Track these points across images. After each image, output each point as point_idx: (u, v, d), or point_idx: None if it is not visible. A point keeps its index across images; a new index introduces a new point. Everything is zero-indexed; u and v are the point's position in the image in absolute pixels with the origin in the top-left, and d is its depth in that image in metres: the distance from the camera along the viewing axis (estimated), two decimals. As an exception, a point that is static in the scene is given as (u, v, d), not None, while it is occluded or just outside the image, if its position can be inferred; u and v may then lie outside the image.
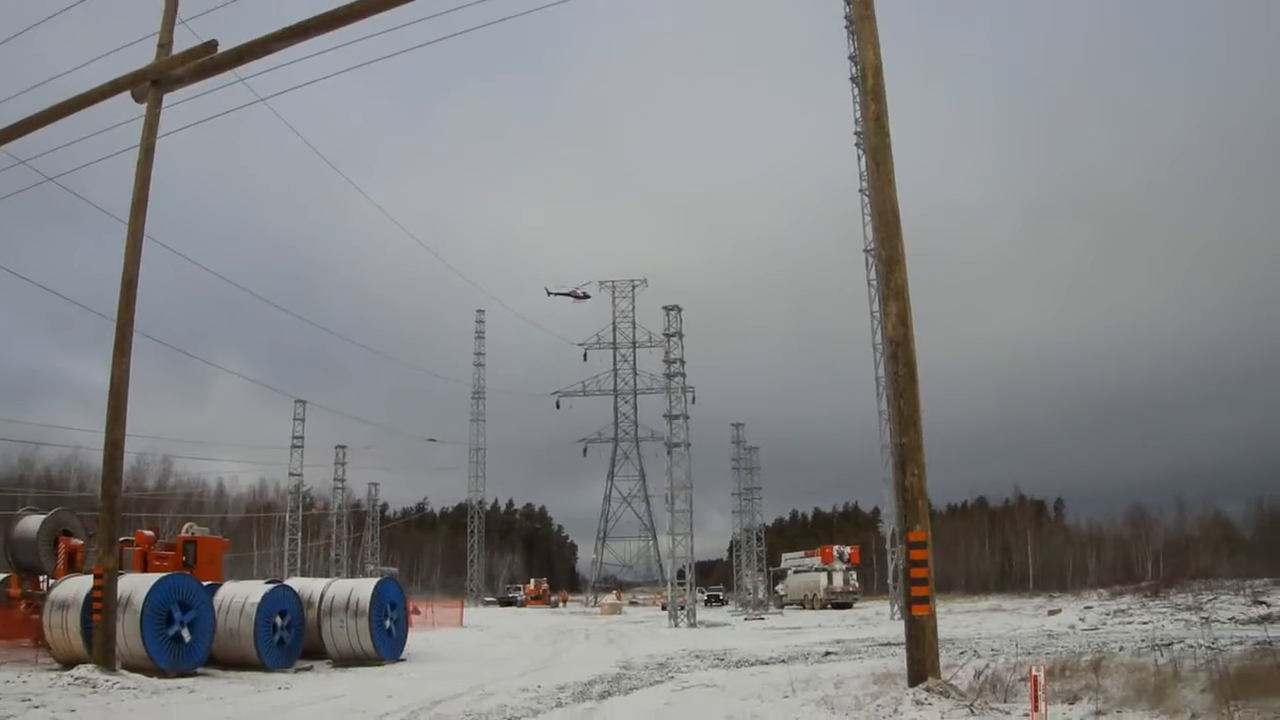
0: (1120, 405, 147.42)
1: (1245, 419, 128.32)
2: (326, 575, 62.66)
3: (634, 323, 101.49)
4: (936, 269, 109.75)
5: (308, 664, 23.92)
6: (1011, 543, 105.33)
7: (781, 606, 78.75)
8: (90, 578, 20.85)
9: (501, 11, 19.83)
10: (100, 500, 20.64)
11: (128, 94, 21.51)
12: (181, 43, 21.45)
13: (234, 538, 66.60)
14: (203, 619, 21.80)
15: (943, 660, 13.53)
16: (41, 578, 27.58)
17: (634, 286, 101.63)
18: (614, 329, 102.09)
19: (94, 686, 17.81)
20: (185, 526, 30.49)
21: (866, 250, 49.88)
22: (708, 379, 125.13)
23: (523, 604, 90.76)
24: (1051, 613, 46.16)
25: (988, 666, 15.12)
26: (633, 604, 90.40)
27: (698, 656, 26.40)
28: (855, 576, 78.26)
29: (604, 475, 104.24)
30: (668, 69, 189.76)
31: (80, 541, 27.85)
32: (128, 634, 20.16)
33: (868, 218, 48.38)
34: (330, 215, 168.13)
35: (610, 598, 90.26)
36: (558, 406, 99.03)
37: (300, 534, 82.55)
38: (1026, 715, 11.18)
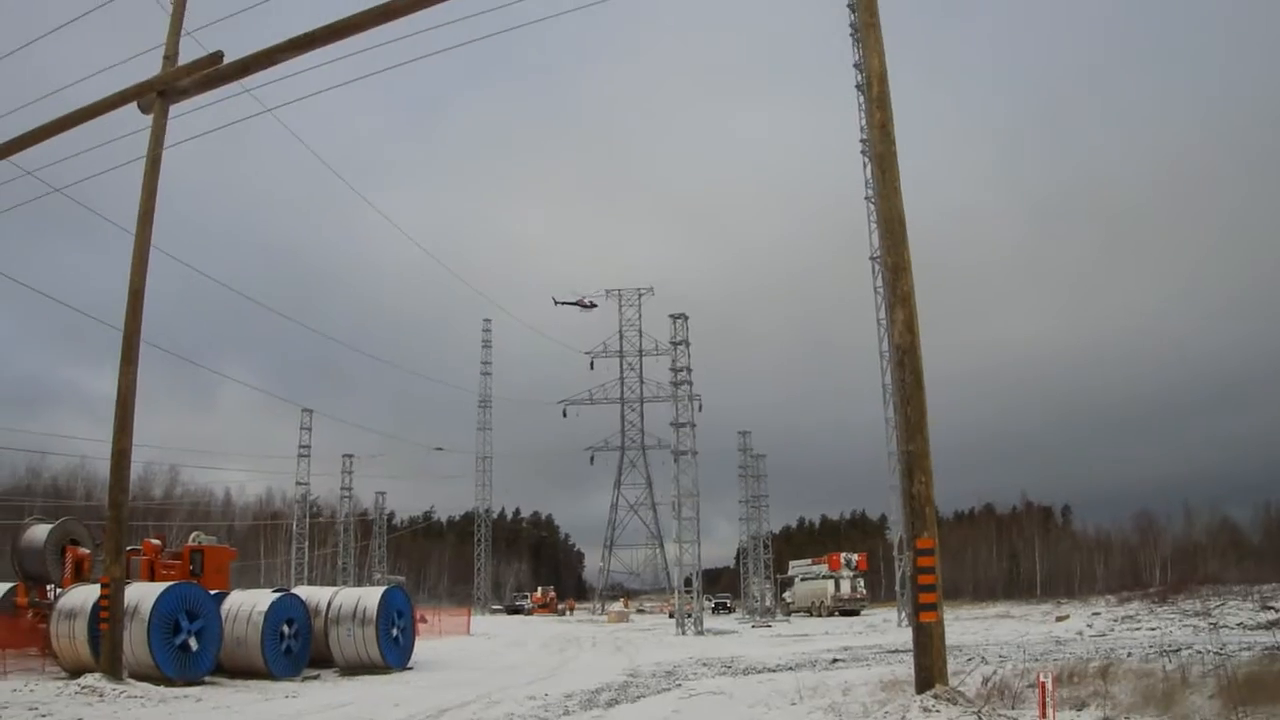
0: (1127, 410, 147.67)
1: (1252, 423, 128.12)
2: (333, 584, 62.59)
3: (640, 331, 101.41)
4: (941, 274, 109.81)
5: (315, 672, 23.94)
6: (1019, 549, 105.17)
7: (789, 614, 78.69)
8: (97, 587, 20.90)
9: (505, 21, 19.91)
10: (107, 509, 20.65)
11: (134, 105, 21.57)
12: (187, 54, 21.50)
13: (241, 546, 66.66)
14: (210, 628, 21.81)
15: (950, 667, 13.50)
16: (49, 587, 27.63)
17: (640, 295, 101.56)
18: (620, 337, 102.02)
19: (101, 695, 17.83)
20: (192, 535, 30.55)
21: (873, 258, 49.88)
22: (714, 387, 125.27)
23: (530, 612, 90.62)
24: (1059, 619, 46.08)
25: (995, 673, 15.09)
26: (640, 612, 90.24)
27: (705, 664, 26.39)
28: (862, 583, 78.19)
29: (611, 483, 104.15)
30: (672, 76, 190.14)
31: (87, 551, 27.87)
32: (135, 643, 20.17)
33: (873, 224, 48.41)
34: (336, 224, 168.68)
35: (617, 606, 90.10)
36: (564, 415, 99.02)
37: (307, 543, 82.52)
38: (1034, 722, 11.16)
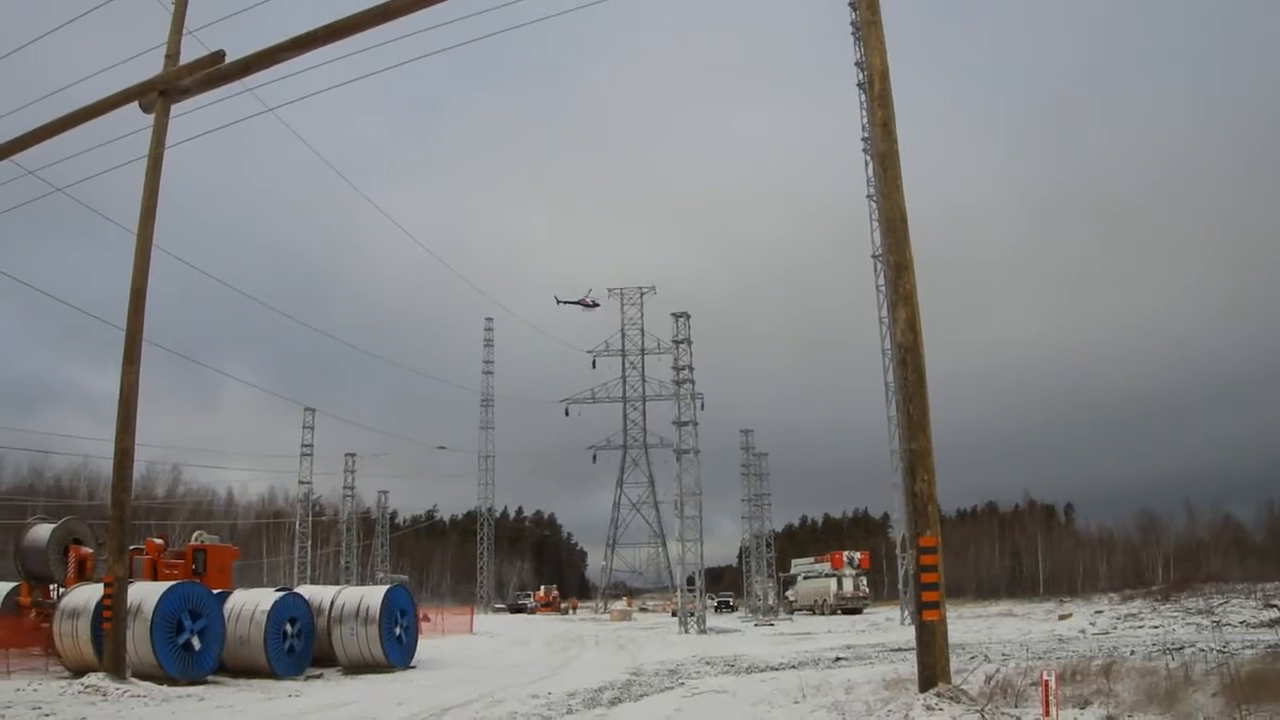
0: (1128, 408, 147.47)
1: (1254, 421, 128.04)
2: (336, 583, 62.67)
3: (642, 330, 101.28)
4: (943, 273, 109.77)
5: (318, 671, 23.95)
6: (1021, 547, 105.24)
7: (791, 612, 78.67)
8: (100, 586, 20.91)
9: (506, 21, 19.91)
10: (110, 509, 20.67)
11: (136, 104, 21.57)
12: (189, 53, 21.51)
13: (244, 545, 66.92)
14: (213, 627, 21.83)
15: (953, 665, 13.50)
16: (52, 586, 27.65)
17: (642, 294, 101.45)
18: (623, 336, 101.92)
19: (104, 694, 17.85)
20: (195, 534, 30.56)
21: (875, 256, 49.78)
22: (716, 385, 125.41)
23: (533, 611, 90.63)
24: (1062, 617, 46.11)
25: (998, 671, 15.08)
26: (643, 610, 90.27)
27: (708, 663, 26.38)
28: (865, 582, 78.16)
29: (613, 482, 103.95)
30: (673, 76, 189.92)
31: (90, 550, 27.89)
32: (138, 642, 20.19)
33: (875, 223, 48.37)
34: (338, 223, 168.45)
35: (620, 604, 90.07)
36: (567, 414, 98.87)
37: (310, 541, 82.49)
38: (1038, 720, 11.16)
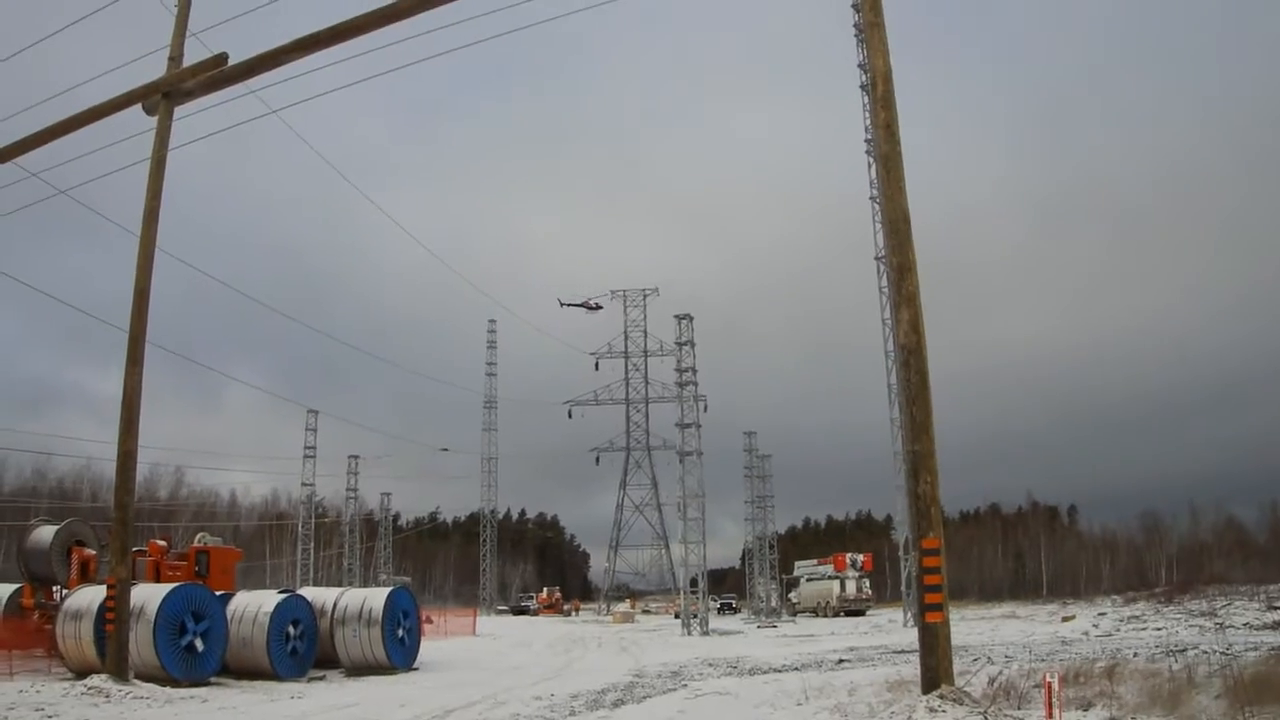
0: (1131, 409, 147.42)
1: (1257, 422, 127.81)
2: (339, 585, 62.69)
3: (645, 331, 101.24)
4: (945, 273, 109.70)
5: (321, 673, 23.95)
6: (1025, 549, 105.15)
7: (794, 614, 78.61)
8: (103, 588, 20.91)
9: (516, 21, 19.89)
10: (113, 510, 20.66)
11: (139, 107, 21.60)
12: (192, 55, 21.54)
13: (247, 547, 67.02)
14: (216, 628, 21.84)
15: (956, 667, 13.48)
16: (54, 588, 27.68)
17: (645, 295, 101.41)
18: (625, 338, 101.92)
19: (107, 696, 17.85)
20: (198, 536, 30.61)
21: (878, 258, 49.81)
22: (719, 387, 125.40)
23: (535, 613, 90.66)
24: (1065, 619, 46.02)
25: (1001, 673, 15.09)
26: (645, 612, 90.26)
27: (711, 664, 26.37)
28: (868, 584, 78.06)
29: (616, 484, 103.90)
30: (674, 76, 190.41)
31: (93, 552, 27.92)
32: (141, 644, 20.20)
33: (878, 224, 48.34)
34: (341, 225, 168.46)
35: (623, 606, 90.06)
36: (570, 416, 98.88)
37: (313, 543, 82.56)
38: (1040, 722, 11.15)
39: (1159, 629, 33.83)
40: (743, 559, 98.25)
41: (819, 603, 76.93)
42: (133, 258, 21.08)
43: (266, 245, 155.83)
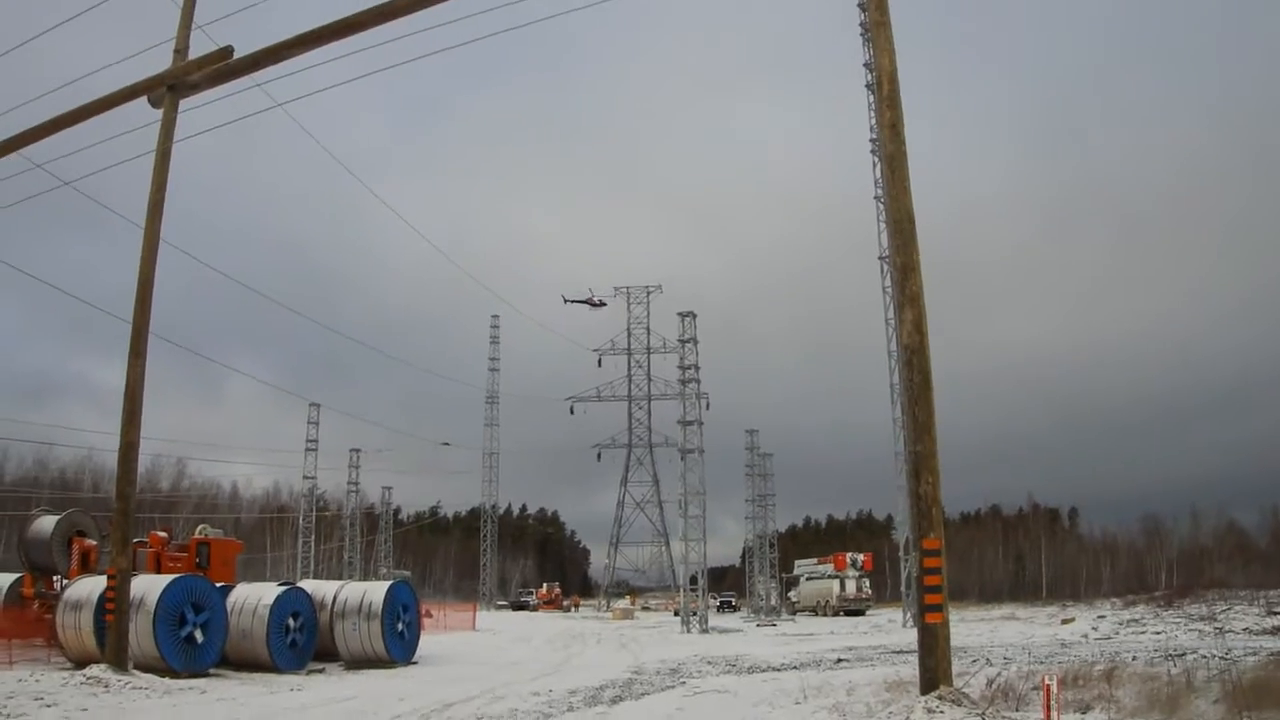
0: (1133, 412, 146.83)
1: (1259, 426, 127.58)
2: (339, 578, 62.74)
3: (648, 328, 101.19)
4: (948, 273, 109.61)
5: (320, 666, 23.96)
6: (1025, 551, 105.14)
7: (794, 613, 78.63)
8: (104, 578, 20.94)
9: (517, 18, 19.92)
10: (114, 501, 20.70)
11: (144, 99, 21.61)
12: (198, 48, 21.55)
13: (247, 540, 66.96)
14: (215, 620, 21.87)
15: (955, 668, 13.50)
16: (55, 578, 27.70)
17: (648, 292, 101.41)
18: (628, 335, 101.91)
19: (106, 686, 17.87)
20: (199, 528, 30.57)
21: (881, 257, 49.78)
22: (721, 385, 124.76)
23: (535, 608, 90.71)
24: (1065, 621, 46.02)
25: (1000, 675, 15.09)
26: (645, 609, 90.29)
27: (709, 662, 26.38)
28: (868, 584, 78.05)
29: (617, 480, 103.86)
30: (676, 74, 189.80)
31: (94, 542, 27.94)
32: (140, 634, 20.23)
33: (882, 224, 48.35)
34: (345, 219, 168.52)
35: (623, 603, 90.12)
36: (572, 412, 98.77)
37: (313, 536, 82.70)
38: (1039, 724, 11.15)
39: (1158, 633, 33.84)
40: (743, 557, 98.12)
41: (819, 602, 76.94)
42: (137, 250, 21.11)
43: (270, 239, 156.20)
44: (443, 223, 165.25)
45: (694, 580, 54.25)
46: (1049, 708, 10.76)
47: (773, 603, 78.48)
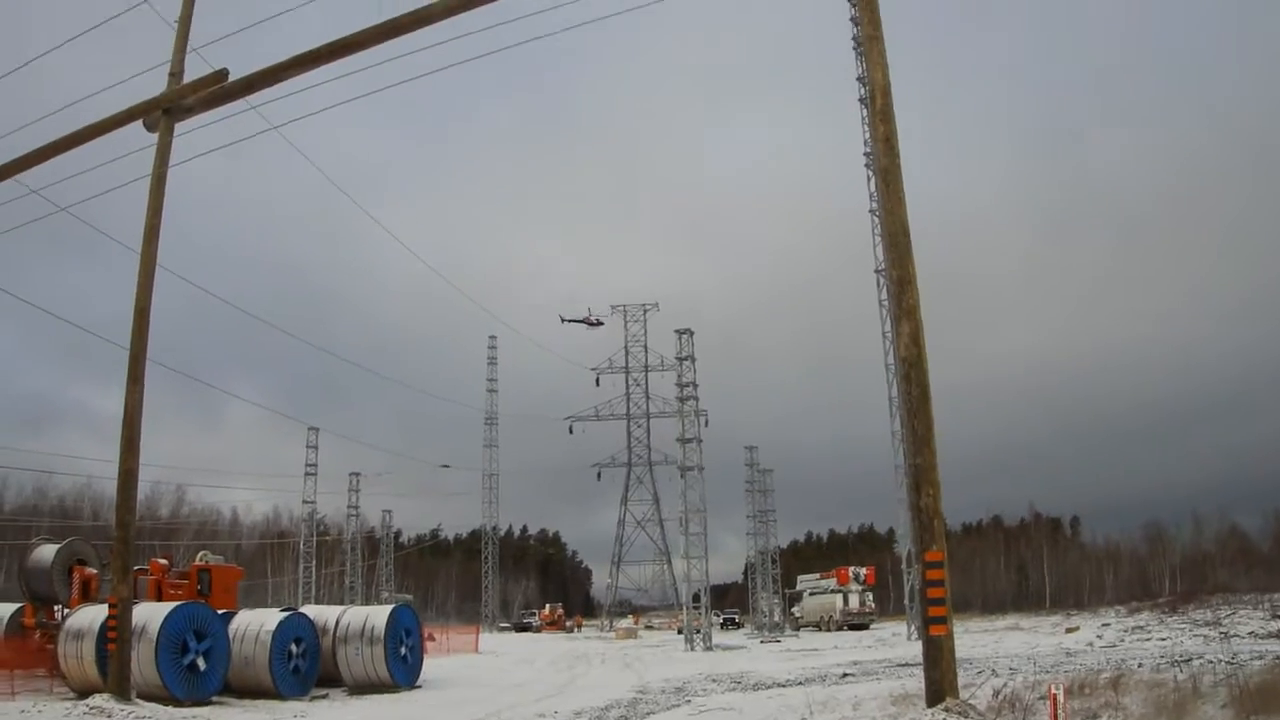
0: (1134, 419, 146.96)
1: (1261, 430, 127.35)
2: (341, 602, 62.60)
3: (646, 347, 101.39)
4: (946, 284, 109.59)
5: (323, 692, 23.91)
6: (1028, 561, 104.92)
7: (797, 629, 78.44)
8: (105, 607, 20.84)
9: (512, 37, 19.94)
10: (114, 529, 20.62)
11: (140, 123, 21.63)
12: (193, 71, 21.58)
13: (248, 565, 66.85)
14: (218, 647, 21.80)
15: (961, 680, 13.46)
16: (56, 607, 27.63)
17: (645, 311, 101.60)
18: (626, 353, 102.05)
19: (109, 716, 17.80)
20: (199, 555, 30.53)
21: (877, 271, 49.82)
22: (720, 401, 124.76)
23: (538, 629, 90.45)
24: (1069, 630, 45.96)
25: (1006, 685, 15.06)
26: (648, 628, 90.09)
27: (714, 680, 26.31)
28: (871, 598, 77.94)
29: (618, 499, 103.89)
30: (673, 90, 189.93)
31: (95, 571, 27.87)
32: (143, 663, 20.16)
33: (878, 238, 48.35)
34: (342, 241, 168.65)
35: (625, 622, 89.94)
36: (571, 431, 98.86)
37: (314, 561, 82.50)
38: (1046, 734, 11.12)
39: (1163, 639, 33.78)
40: (745, 574, 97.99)
41: (822, 617, 76.80)
42: (133, 275, 21.09)
43: (267, 261, 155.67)
44: (439, 243, 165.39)
45: (697, 598, 54.13)
46: (1056, 717, 10.72)
47: (776, 619, 78.30)
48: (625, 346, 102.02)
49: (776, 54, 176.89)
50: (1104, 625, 47.01)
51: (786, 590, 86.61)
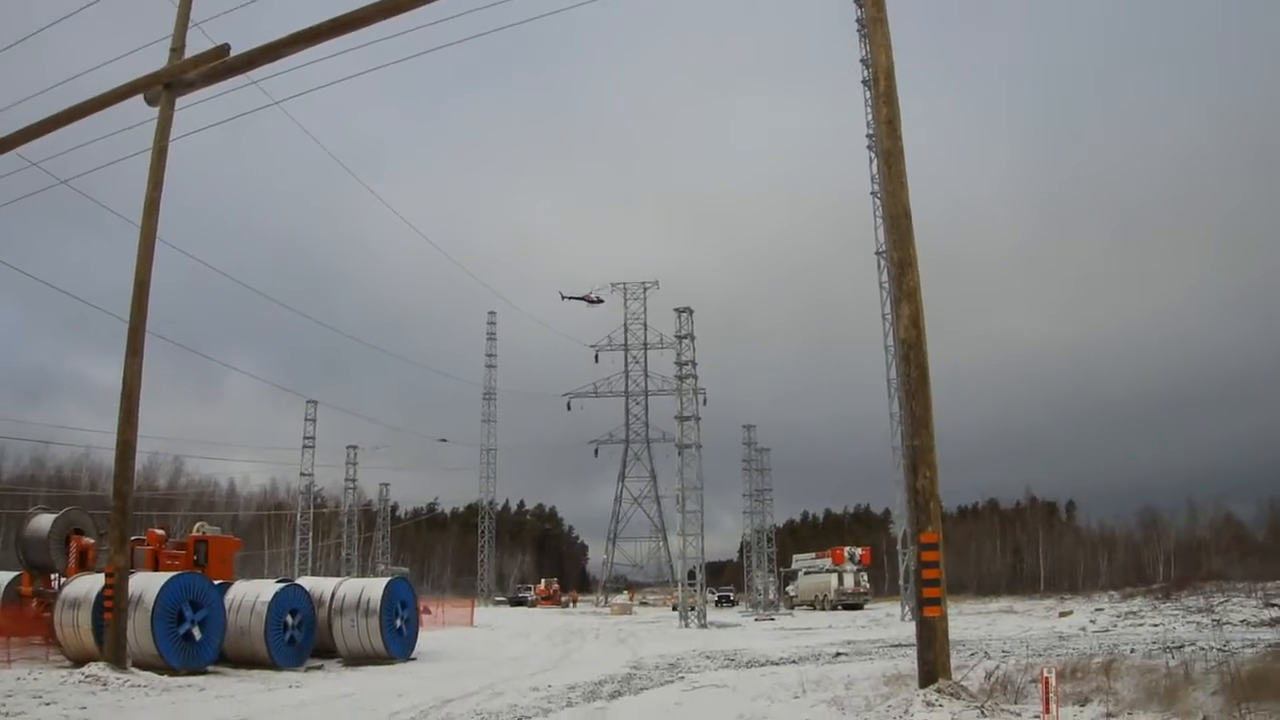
0: (1131, 406, 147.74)
1: (1257, 418, 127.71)
2: (337, 575, 62.79)
3: (645, 324, 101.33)
4: (946, 268, 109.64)
5: (318, 663, 23.97)
6: (1023, 544, 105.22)
7: (792, 607, 78.66)
8: (102, 576, 20.94)
9: (514, 15, 19.90)
10: (112, 499, 20.69)
11: (141, 97, 21.57)
12: (194, 46, 21.51)
13: (245, 537, 67.01)
14: (214, 617, 21.87)
15: (953, 662, 13.53)
16: (53, 576, 27.71)
17: (645, 288, 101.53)
18: (625, 331, 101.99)
19: (105, 684, 17.88)
20: (196, 525, 30.56)
21: (878, 253, 49.77)
22: (719, 380, 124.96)
23: (533, 604, 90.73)
24: (1063, 614, 46.12)
25: (998, 668, 15.11)
26: (643, 604, 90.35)
27: (708, 657, 26.39)
28: (866, 578, 78.11)
29: (615, 476, 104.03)
30: (676, 68, 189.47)
31: (92, 540, 27.93)
32: (139, 632, 20.22)
33: (879, 220, 48.29)
34: (342, 216, 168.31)
35: (621, 598, 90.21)
36: (569, 408, 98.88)
37: (311, 533, 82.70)
38: (1037, 717, 11.16)
39: (1156, 625, 33.88)
40: (741, 552, 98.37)
41: (817, 596, 77.02)
42: (133, 248, 21.08)
43: (267, 236, 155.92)
44: (440, 218, 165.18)
45: (692, 575, 54.29)
46: (1047, 700, 10.78)
47: (771, 597, 78.55)
48: (625, 324, 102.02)
49: (782, 35, 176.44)
50: (1097, 610, 47.20)
51: (782, 569, 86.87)
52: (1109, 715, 11.52)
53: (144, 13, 24.42)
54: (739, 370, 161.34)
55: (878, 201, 47.80)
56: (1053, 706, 10.78)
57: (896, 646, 27.08)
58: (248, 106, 22.96)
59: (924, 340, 13.98)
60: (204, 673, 20.88)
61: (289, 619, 23.54)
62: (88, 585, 21.99)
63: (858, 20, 47.71)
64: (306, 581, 27.02)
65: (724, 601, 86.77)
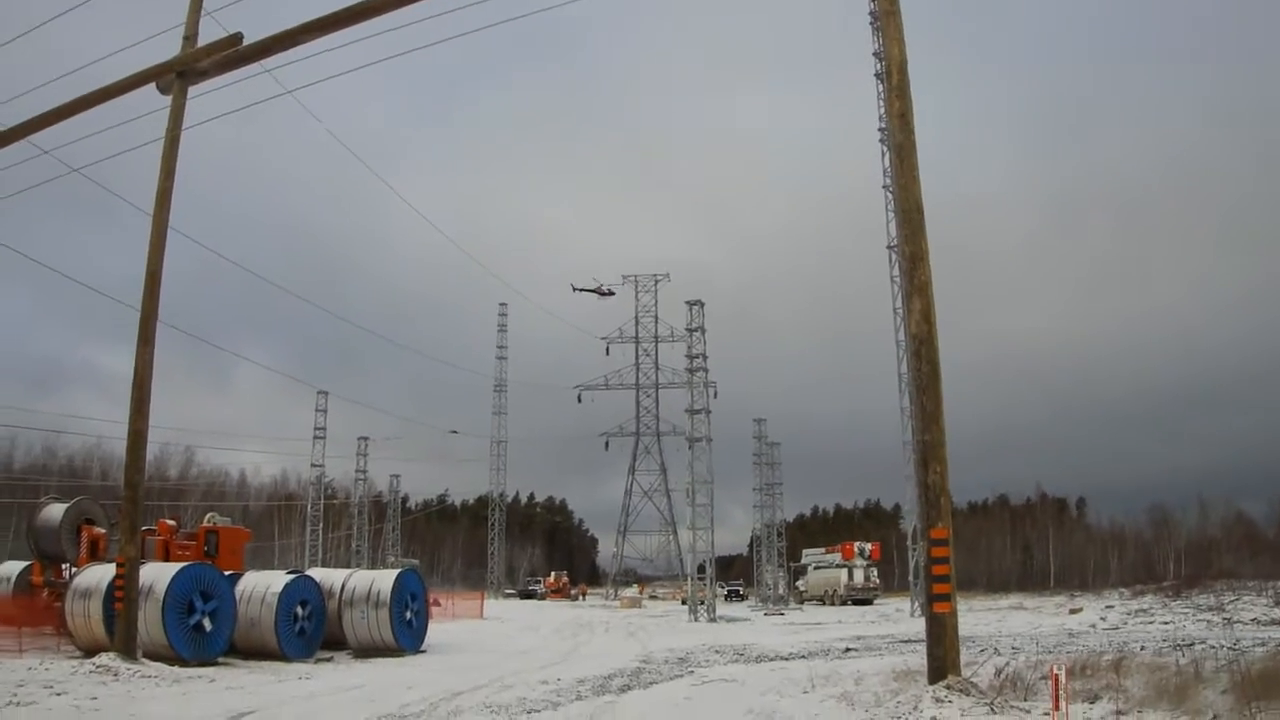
0: (1141, 402, 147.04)
1: (1267, 415, 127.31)
2: (348, 566, 62.84)
3: (656, 317, 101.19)
4: (955, 263, 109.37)
5: (328, 654, 24.03)
6: (1033, 541, 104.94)
7: (801, 602, 78.68)
8: (112, 566, 20.98)
9: (529, 6, 19.85)
10: (123, 489, 20.71)
11: (153, 86, 21.55)
12: (207, 35, 21.48)
13: (255, 528, 66.97)
14: (224, 608, 21.90)
15: (963, 658, 13.50)
16: (64, 566, 27.79)
17: (656, 281, 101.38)
18: (636, 323, 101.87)
19: (115, 674, 17.91)
20: (207, 516, 30.65)
21: (890, 247, 49.67)
22: (729, 373, 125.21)
23: (543, 597, 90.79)
24: (1073, 611, 46.00)
25: (1008, 664, 15.06)
26: (653, 598, 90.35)
27: (717, 651, 26.40)
28: (876, 573, 78.14)
29: (625, 469, 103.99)
30: (688, 63, 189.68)
31: (103, 530, 28.02)
32: (149, 623, 20.26)
33: (891, 214, 48.20)
34: (355, 207, 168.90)
35: (630, 591, 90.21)
36: (579, 400, 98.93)
37: (321, 525, 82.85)
38: (1047, 714, 11.13)
39: (1166, 623, 33.80)
40: (751, 546, 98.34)
41: (826, 591, 77.02)
42: (145, 237, 21.08)
43: (280, 226, 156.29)
44: (453, 210, 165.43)
45: (701, 569, 54.37)
46: (1057, 697, 10.74)
47: (780, 592, 78.52)
48: (636, 316, 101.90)
49: (795, 27, 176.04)
50: (1107, 607, 47.07)
51: (791, 563, 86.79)
52: (1119, 713, 11.48)
53: (157, 1, 24.43)
54: (750, 363, 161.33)
55: (889, 195, 47.73)
56: (1062, 703, 10.75)
57: (906, 642, 27.05)
58: (261, 95, 22.96)
59: (935, 335, 13.94)
60: (214, 664, 20.91)
61: (299, 610, 23.59)
62: (99, 575, 22.05)
63: (870, 13, 47.58)
64: (317, 573, 27.05)
65: (733, 596, 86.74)
